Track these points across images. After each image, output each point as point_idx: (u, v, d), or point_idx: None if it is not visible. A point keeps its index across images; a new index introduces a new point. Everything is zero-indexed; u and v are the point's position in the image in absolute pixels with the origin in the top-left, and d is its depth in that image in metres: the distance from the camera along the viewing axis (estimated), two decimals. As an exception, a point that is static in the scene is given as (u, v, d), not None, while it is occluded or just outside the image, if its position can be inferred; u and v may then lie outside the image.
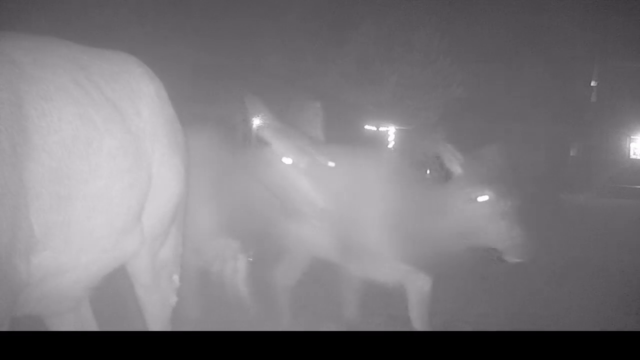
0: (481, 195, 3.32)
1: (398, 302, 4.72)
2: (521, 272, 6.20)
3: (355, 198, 3.43)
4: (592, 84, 26.86)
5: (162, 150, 2.07)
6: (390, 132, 26.00)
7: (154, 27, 18.58)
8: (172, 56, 17.38)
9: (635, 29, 22.90)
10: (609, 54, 22.63)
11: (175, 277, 2.37)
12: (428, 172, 3.63)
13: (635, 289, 5.66)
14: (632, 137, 21.69)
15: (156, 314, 2.28)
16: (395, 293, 5.06)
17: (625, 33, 23.28)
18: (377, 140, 23.11)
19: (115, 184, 1.82)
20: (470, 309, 4.61)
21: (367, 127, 21.28)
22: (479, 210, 3.29)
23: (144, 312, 2.27)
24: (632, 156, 21.81)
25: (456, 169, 3.41)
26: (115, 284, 2.25)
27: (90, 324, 2.26)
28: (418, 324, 3.74)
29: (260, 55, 27.74)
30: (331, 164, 3.05)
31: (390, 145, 25.90)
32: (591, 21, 28.14)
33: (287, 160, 3.09)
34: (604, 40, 23.71)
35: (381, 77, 31.86)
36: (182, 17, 24.23)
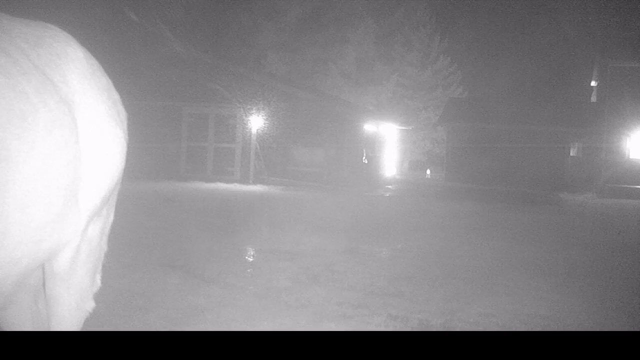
0: None
1: (398, 302, 4.74)
2: (521, 272, 6.21)
3: None
4: (592, 84, 26.89)
5: (100, 120, 1.88)
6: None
7: (153, 25, 18.59)
8: (170, 56, 17.42)
9: (635, 29, 22.91)
10: (609, 54, 22.64)
11: (98, 277, 2.06)
12: None
13: (635, 289, 5.66)
14: (631, 136, 21.68)
15: (66, 318, 1.92)
16: (396, 293, 5.08)
17: (625, 33, 23.29)
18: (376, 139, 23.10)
19: (53, 162, 1.65)
20: (470, 309, 4.61)
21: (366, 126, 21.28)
22: None
23: (51, 314, 1.92)
24: (632, 156, 21.82)
25: None
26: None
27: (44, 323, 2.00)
28: None
29: (260, 55, 27.79)
30: None
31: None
32: (591, 21, 28.15)
33: None
34: (604, 40, 23.71)
35: (381, 77, 31.98)
36: (182, 17, 24.27)
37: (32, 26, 1.81)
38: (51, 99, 1.67)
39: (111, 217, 2.08)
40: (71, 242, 1.81)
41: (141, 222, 7.83)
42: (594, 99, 26.56)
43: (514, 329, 4.14)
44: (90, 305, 1.99)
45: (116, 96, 2.02)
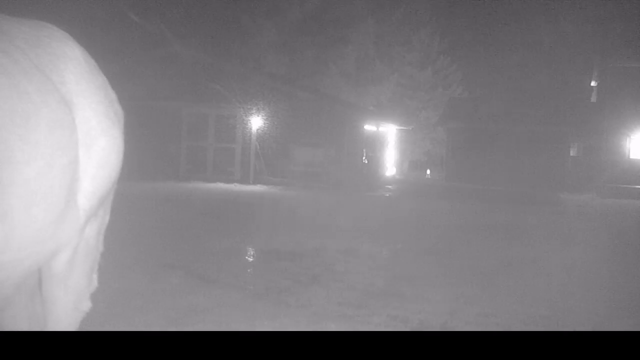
0: None
1: (398, 302, 4.73)
2: (521, 272, 6.21)
3: None
4: (592, 84, 26.88)
5: (97, 120, 1.87)
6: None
7: (153, 25, 18.59)
8: (170, 56, 17.41)
9: (635, 29, 22.91)
10: (609, 54, 22.64)
11: (94, 277, 2.05)
12: None
13: (635, 289, 5.66)
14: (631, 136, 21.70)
15: (62, 319, 1.91)
16: (396, 293, 5.08)
17: (625, 33, 23.29)
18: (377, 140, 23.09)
19: (55, 162, 1.65)
20: (470, 309, 4.61)
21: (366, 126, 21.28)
22: None
23: (47, 315, 1.91)
24: (632, 156, 21.83)
25: None
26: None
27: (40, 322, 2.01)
28: None
29: (260, 54, 27.78)
30: None
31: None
32: (591, 22, 28.18)
33: None
34: (604, 40, 23.71)
35: (381, 77, 31.96)
36: (182, 17, 24.27)
37: (30, 25, 1.80)
38: (52, 99, 1.66)
39: (107, 218, 2.08)
40: (70, 242, 1.80)
41: (141, 222, 7.83)
42: (594, 99, 26.55)
43: (514, 329, 4.14)
44: (87, 305, 1.98)
45: (113, 95, 2.00)
